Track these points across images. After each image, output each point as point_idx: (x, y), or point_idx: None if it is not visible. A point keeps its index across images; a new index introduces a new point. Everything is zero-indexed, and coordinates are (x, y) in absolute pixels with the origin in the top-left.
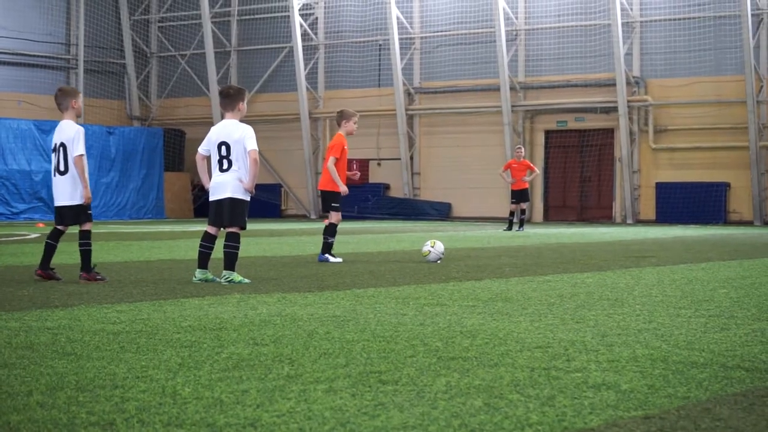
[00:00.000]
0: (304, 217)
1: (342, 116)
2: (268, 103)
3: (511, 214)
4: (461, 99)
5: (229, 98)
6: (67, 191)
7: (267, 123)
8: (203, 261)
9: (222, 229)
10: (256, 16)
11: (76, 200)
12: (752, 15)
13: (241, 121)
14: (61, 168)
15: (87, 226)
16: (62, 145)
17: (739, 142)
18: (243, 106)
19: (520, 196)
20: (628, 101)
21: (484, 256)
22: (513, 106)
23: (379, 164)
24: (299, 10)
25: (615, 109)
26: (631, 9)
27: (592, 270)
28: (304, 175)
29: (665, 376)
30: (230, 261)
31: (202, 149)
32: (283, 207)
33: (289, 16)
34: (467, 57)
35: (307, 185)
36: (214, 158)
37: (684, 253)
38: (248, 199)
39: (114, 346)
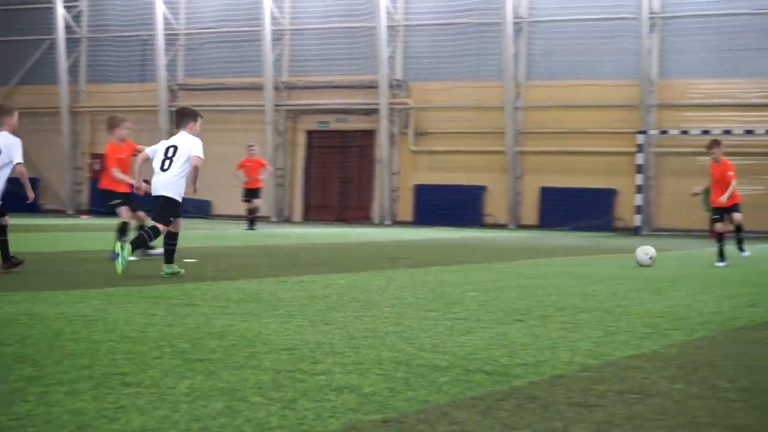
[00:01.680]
0: (62, 213)
1: (111, 123)
2: (29, 96)
3: (250, 212)
4: (225, 97)
5: (185, 117)
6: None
7: (27, 116)
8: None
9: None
10: (18, 6)
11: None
12: (513, 23)
13: None
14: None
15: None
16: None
17: (497, 147)
18: (196, 128)
19: (253, 194)
20: (390, 104)
21: (241, 255)
22: (276, 105)
23: None
24: (63, 1)
25: (377, 111)
26: (396, 13)
27: (347, 271)
28: (63, 170)
29: (407, 380)
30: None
31: (149, 150)
32: (41, 201)
33: (52, 8)
34: (232, 55)
35: (66, 180)
36: (159, 159)
37: (438, 255)
38: (179, 199)
39: None
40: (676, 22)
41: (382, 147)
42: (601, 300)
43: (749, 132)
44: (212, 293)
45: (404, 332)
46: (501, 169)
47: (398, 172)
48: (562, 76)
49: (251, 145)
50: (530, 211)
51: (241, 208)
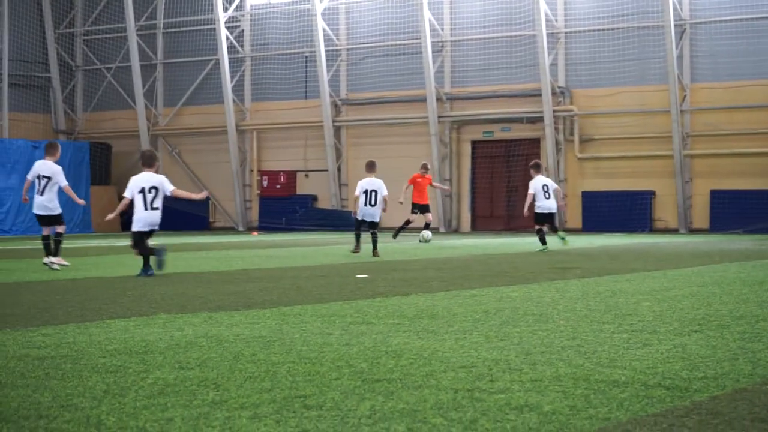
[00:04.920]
0: (232, 230)
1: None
2: (195, 116)
3: (407, 223)
4: (388, 110)
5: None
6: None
7: (193, 136)
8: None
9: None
10: (182, 29)
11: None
12: (675, 25)
13: None
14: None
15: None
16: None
17: (664, 151)
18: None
19: (423, 208)
20: (554, 111)
21: (411, 269)
22: (439, 116)
23: (306, 176)
24: (225, 22)
25: (541, 119)
26: (556, 20)
27: (518, 283)
28: (232, 188)
29: (587, 396)
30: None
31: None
32: (211, 219)
33: (215, 29)
34: (393, 68)
35: (234, 197)
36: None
37: (609, 263)
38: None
39: (39, 372)
40: None
41: (547, 155)
42: None
43: None
44: (386, 310)
45: (581, 346)
46: (669, 174)
47: (565, 179)
48: (728, 77)
49: (425, 164)
50: (701, 215)
51: (395, 221)
